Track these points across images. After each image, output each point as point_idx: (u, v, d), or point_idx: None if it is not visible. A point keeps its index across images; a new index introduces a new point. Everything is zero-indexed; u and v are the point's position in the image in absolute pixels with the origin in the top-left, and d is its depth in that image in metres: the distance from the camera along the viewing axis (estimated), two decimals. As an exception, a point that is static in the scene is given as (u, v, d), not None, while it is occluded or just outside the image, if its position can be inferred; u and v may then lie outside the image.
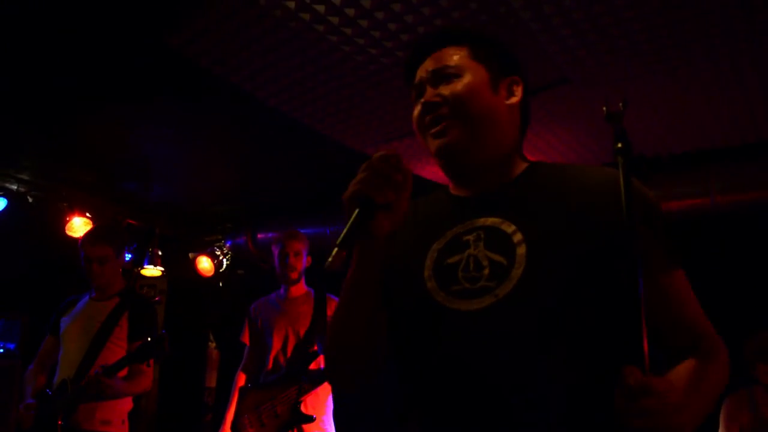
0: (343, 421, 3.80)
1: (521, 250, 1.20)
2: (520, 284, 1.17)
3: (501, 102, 1.35)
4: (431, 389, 1.22)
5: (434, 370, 1.22)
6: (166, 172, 5.16)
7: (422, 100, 1.34)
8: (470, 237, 1.27)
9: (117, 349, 3.42)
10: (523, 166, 1.38)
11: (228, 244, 6.15)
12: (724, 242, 4.15)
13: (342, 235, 1.11)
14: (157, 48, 3.10)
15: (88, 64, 3.40)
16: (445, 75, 1.33)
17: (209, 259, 6.01)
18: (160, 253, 5.80)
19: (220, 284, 6.33)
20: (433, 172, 4.08)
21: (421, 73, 1.38)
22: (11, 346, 4.92)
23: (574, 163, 4.40)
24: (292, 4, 2.72)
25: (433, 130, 1.31)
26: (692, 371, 1.17)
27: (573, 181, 1.30)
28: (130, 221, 5.78)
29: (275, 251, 3.86)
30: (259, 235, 5.94)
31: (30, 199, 5.14)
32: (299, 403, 3.44)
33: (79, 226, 5.14)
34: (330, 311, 3.66)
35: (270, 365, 3.71)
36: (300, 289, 3.87)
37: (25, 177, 5.07)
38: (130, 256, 5.75)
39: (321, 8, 2.75)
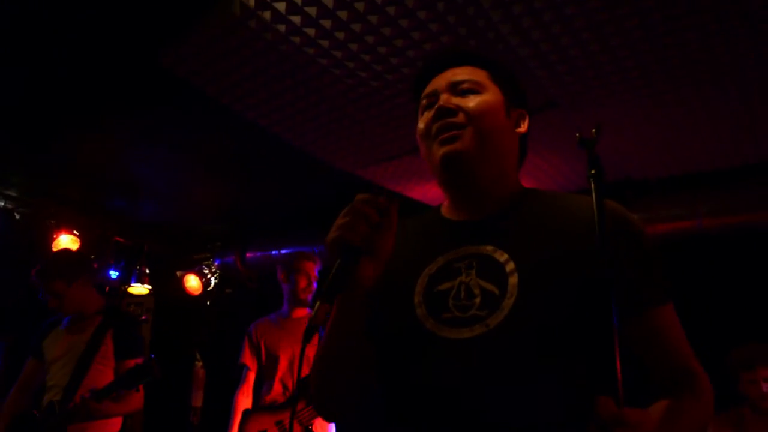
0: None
1: (513, 280, 1.20)
2: (512, 315, 1.16)
3: (511, 128, 1.37)
4: (418, 417, 1.20)
5: (421, 397, 1.20)
6: (155, 189, 5.14)
7: (437, 104, 1.32)
8: (462, 264, 1.26)
9: (104, 368, 3.37)
10: (517, 192, 1.37)
11: (216, 263, 6.13)
12: (712, 264, 4.18)
13: (325, 287, 1.09)
14: (148, 67, 3.10)
15: (79, 81, 3.39)
16: (464, 89, 1.33)
17: (197, 278, 5.98)
18: (147, 270, 5.77)
19: (208, 303, 6.29)
20: (422, 193, 4.10)
21: (437, 82, 1.37)
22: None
23: (563, 186, 4.43)
24: (282, 27, 2.74)
25: (442, 136, 1.29)
26: (673, 406, 1.17)
27: (564, 211, 1.30)
28: (118, 239, 5.75)
29: (289, 271, 3.82)
30: (247, 254, 5.92)
31: (17, 216, 5.11)
32: (310, 425, 3.41)
33: (66, 243, 5.12)
34: None
35: (276, 387, 3.64)
36: (304, 309, 3.84)
37: (12, 193, 5.04)
38: (117, 273, 5.72)
39: (311, 31, 2.76)
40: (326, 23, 2.71)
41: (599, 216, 1.04)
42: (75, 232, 5.26)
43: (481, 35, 2.76)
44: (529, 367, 1.14)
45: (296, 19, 2.68)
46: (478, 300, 1.20)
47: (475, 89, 1.32)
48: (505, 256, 1.23)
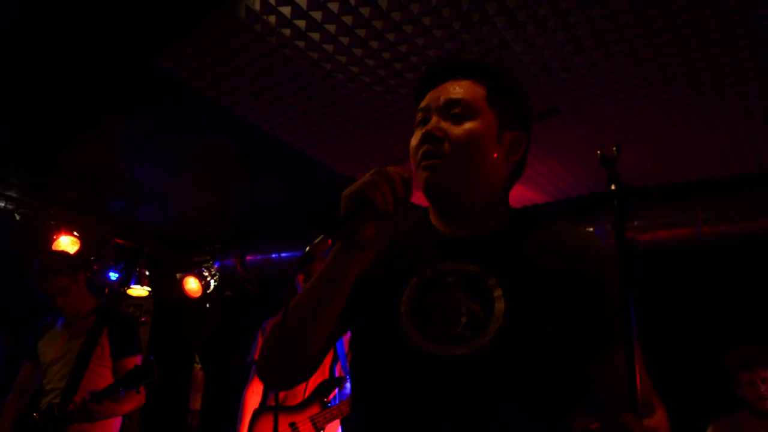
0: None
1: (500, 305, 1.22)
2: (496, 339, 1.19)
3: (501, 153, 1.32)
4: (393, 427, 1.22)
5: (399, 409, 1.22)
6: (155, 192, 5.14)
7: (425, 129, 1.29)
8: (451, 280, 1.27)
9: (101, 369, 3.37)
10: (507, 215, 1.37)
11: (216, 266, 6.12)
12: (711, 272, 4.20)
13: (331, 225, 1.07)
14: (148, 69, 3.11)
15: (79, 83, 3.40)
16: (456, 112, 1.29)
17: (197, 280, 5.98)
18: (147, 273, 5.77)
19: (207, 305, 6.28)
20: (422, 198, 4.10)
21: (432, 97, 1.33)
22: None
23: (564, 192, 4.45)
24: (287, 32, 2.75)
25: (424, 163, 1.27)
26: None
27: (550, 241, 1.32)
28: (118, 240, 5.75)
29: (309, 273, 3.81)
30: (247, 257, 5.92)
31: (17, 217, 5.11)
32: (323, 429, 3.40)
33: (66, 244, 5.12)
34: (345, 336, 3.61)
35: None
36: None
37: (13, 194, 5.05)
38: (117, 275, 5.71)
39: (316, 36, 2.77)
40: (331, 28, 2.72)
41: (618, 238, 1.04)
42: (75, 233, 5.26)
43: (485, 41, 2.77)
44: (509, 390, 1.18)
45: (301, 23, 2.69)
46: (464, 319, 1.22)
47: (467, 115, 1.29)
48: (494, 280, 1.25)
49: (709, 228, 3.99)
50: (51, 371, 3.41)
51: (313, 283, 1.23)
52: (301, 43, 2.83)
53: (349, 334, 1.39)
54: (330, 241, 1.06)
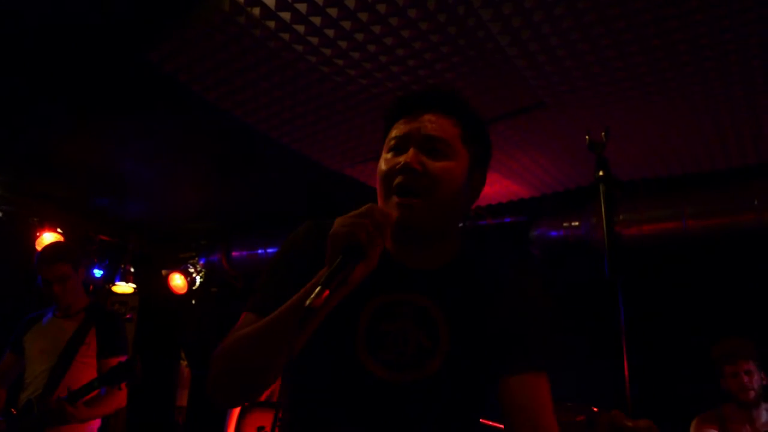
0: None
1: (445, 338, 1.32)
2: (441, 371, 1.30)
3: (468, 188, 1.39)
4: None
5: (343, 424, 1.30)
6: (140, 188, 5.10)
7: (403, 159, 1.30)
8: (403, 310, 1.34)
9: (85, 367, 3.34)
10: (459, 244, 1.44)
11: (202, 262, 6.09)
12: (696, 265, 4.22)
13: (327, 275, 1.09)
14: (135, 63, 3.08)
15: (64, 77, 3.36)
16: (435, 148, 1.32)
17: (182, 277, 5.95)
18: (132, 269, 5.73)
19: (193, 302, 6.25)
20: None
21: (412, 128, 1.34)
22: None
23: (550, 186, 4.46)
24: (271, 24, 2.73)
25: (400, 200, 1.29)
26: None
27: (493, 273, 1.42)
28: (103, 237, 5.71)
29: None
30: (233, 253, 5.89)
31: (0, 214, 5.05)
32: None
33: (49, 241, 5.05)
34: None
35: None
36: None
37: (-5, 191, 4.99)
38: (101, 272, 5.67)
39: (301, 28, 2.75)
40: (316, 20, 2.70)
41: (607, 225, 1.05)
42: (59, 230, 5.21)
43: (470, 34, 2.76)
44: (448, 419, 1.31)
45: (286, 15, 2.67)
46: (412, 349, 1.31)
47: (445, 153, 1.32)
48: (442, 314, 1.34)
49: (694, 222, 4.01)
50: (32, 366, 3.39)
51: (283, 322, 1.19)
52: (286, 36, 2.80)
53: None
54: (327, 292, 1.08)
